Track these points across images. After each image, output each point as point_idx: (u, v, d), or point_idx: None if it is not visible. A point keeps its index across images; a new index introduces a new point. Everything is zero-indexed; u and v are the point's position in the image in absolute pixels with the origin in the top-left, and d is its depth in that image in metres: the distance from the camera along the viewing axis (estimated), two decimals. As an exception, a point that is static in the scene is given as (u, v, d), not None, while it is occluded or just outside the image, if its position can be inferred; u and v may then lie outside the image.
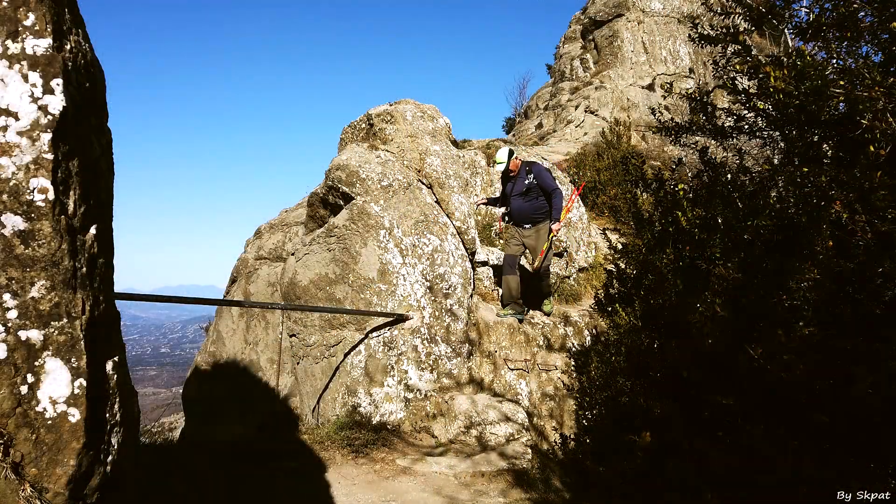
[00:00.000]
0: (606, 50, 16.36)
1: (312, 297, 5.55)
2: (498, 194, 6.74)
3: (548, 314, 6.33)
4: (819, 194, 1.98)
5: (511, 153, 6.01)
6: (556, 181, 5.87)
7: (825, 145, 2.18)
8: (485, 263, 6.54)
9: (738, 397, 2.07)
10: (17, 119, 1.46)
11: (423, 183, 6.08)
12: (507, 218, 6.10)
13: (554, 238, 5.98)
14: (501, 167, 5.93)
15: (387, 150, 6.26)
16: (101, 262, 1.69)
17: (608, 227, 8.29)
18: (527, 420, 5.13)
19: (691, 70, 16.39)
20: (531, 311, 6.36)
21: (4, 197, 1.43)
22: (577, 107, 15.05)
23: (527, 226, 5.89)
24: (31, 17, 1.49)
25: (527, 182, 5.82)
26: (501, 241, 7.59)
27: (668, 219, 2.98)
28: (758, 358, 1.92)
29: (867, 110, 1.81)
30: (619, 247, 3.63)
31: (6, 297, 1.42)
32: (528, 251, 6.03)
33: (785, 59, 2.08)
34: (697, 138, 2.85)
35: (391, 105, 6.85)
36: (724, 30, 2.25)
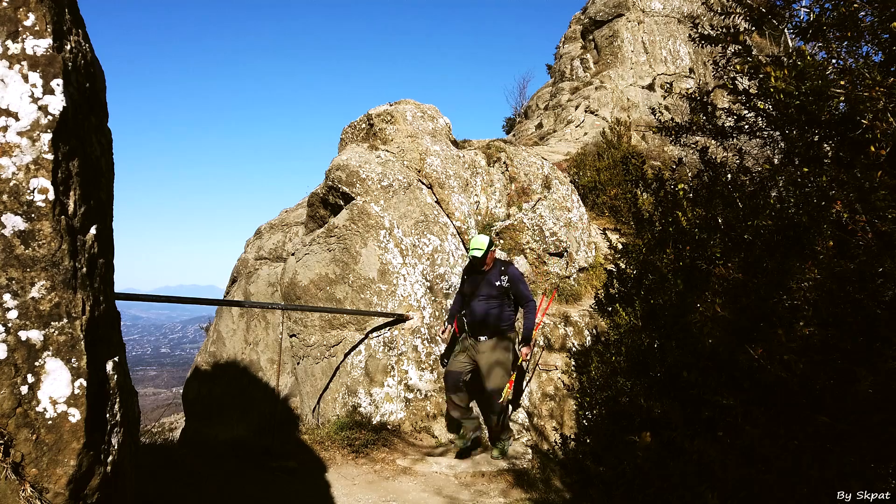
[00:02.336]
0: (606, 50, 16.37)
1: (312, 298, 5.55)
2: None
3: (497, 458, 4.62)
4: (819, 194, 1.98)
5: (491, 244, 4.73)
6: (531, 292, 4.78)
7: (825, 145, 2.18)
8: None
9: (738, 397, 2.07)
10: (17, 119, 1.46)
11: (423, 183, 6.08)
12: (462, 323, 4.76)
13: (523, 362, 4.75)
14: (478, 254, 4.58)
15: (387, 151, 6.26)
16: (101, 262, 1.69)
17: (608, 227, 8.29)
18: (527, 420, 5.14)
19: (691, 70, 16.39)
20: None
21: (5, 197, 1.43)
22: (577, 107, 15.05)
23: (482, 338, 4.60)
24: (32, 17, 1.49)
25: (497, 284, 4.62)
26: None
27: (668, 219, 2.98)
28: (758, 358, 1.92)
29: (867, 110, 1.81)
30: (620, 247, 3.63)
31: (6, 297, 1.42)
32: (483, 372, 4.57)
33: (785, 59, 2.08)
34: (697, 138, 2.85)
35: (391, 105, 6.85)
36: (725, 30, 2.25)
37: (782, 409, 1.94)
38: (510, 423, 4.96)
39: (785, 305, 2.03)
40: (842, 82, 1.92)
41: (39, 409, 1.43)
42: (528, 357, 4.50)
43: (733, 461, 2.01)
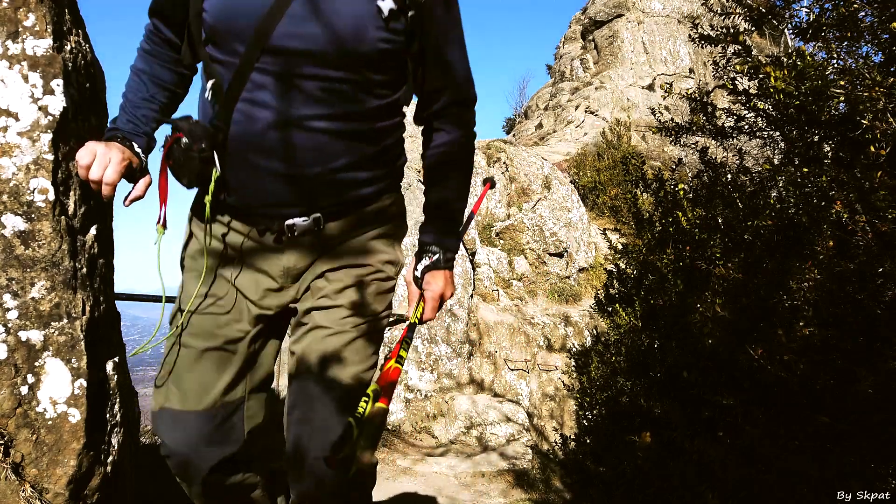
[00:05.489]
0: (606, 50, 16.37)
1: (312, 298, 5.56)
2: None
3: None
4: (819, 194, 1.98)
5: None
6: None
7: (825, 145, 2.18)
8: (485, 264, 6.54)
9: (738, 397, 2.07)
10: (17, 119, 1.46)
11: (423, 183, 6.09)
12: (194, 162, 1.08)
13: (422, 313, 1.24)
14: None
15: (387, 151, 6.27)
16: (101, 262, 1.69)
17: (608, 227, 8.29)
18: (527, 420, 5.13)
19: (691, 70, 16.39)
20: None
21: (4, 197, 1.43)
22: (577, 107, 15.05)
23: (300, 219, 1.13)
24: (31, 17, 1.49)
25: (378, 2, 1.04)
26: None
27: (668, 219, 2.98)
28: (758, 358, 1.92)
29: (867, 110, 1.81)
30: (620, 247, 3.63)
31: (6, 297, 1.42)
32: (302, 354, 1.19)
33: (785, 60, 2.08)
34: (697, 138, 2.85)
35: (391, 105, 6.85)
36: (724, 30, 2.25)
37: (782, 409, 1.94)
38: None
39: (785, 305, 2.03)
40: (842, 82, 1.92)
41: (39, 409, 1.43)
42: (444, 301, 1.28)
43: (733, 461, 2.01)
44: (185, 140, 1.07)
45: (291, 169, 1.08)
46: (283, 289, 1.21)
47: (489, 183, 1.87)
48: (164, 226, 1.15)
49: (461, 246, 5.77)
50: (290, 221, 1.13)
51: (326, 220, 1.16)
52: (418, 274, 1.26)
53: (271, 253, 1.18)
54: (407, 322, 1.22)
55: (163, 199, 1.14)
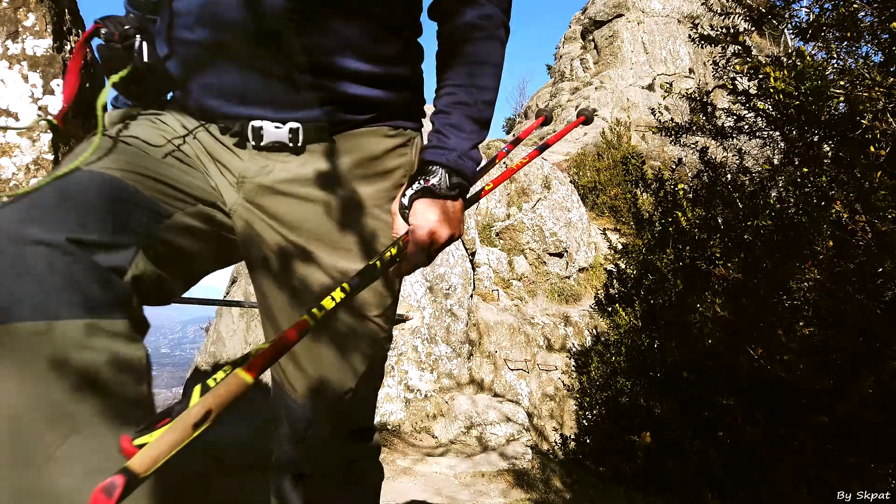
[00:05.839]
0: (606, 50, 16.38)
1: (312, 298, 5.56)
2: None
3: None
4: (819, 194, 1.99)
5: None
6: None
7: (825, 145, 2.18)
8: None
9: (738, 397, 2.07)
10: (17, 119, 1.46)
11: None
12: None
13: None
14: None
15: (387, 151, 6.27)
16: (101, 262, 1.69)
17: (608, 227, 8.30)
18: (527, 420, 5.14)
19: (691, 70, 16.39)
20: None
21: (4, 198, 1.44)
22: (577, 107, 15.05)
23: (270, 122, 0.81)
24: (31, 17, 1.49)
25: None
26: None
27: (668, 219, 2.98)
28: (758, 358, 1.92)
29: (867, 110, 1.81)
30: (620, 247, 3.63)
31: (6, 297, 1.42)
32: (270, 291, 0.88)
33: (785, 60, 2.08)
34: (697, 138, 2.85)
35: (391, 105, 6.85)
36: (724, 30, 2.26)
37: (782, 409, 1.95)
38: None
39: (785, 305, 2.03)
40: (841, 82, 1.93)
41: (39, 409, 1.43)
42: (438, 245, 0.85)
43: (733, 461, 2.01)
44: (103, 31, 0.80)
45: (250, 46, 0.76)
46: (238, 194, 0.85)
47: (584, 115, 1.55)
48: (61, 121, 0.92)
49: (462, 244, 5.77)
50: (256, 123, 0.80)
51: (307, 137, 0.82)
52: (405, 202, 0.86)
53: (229, 154, 0.84)
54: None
55: (67, 94, 0.86)
